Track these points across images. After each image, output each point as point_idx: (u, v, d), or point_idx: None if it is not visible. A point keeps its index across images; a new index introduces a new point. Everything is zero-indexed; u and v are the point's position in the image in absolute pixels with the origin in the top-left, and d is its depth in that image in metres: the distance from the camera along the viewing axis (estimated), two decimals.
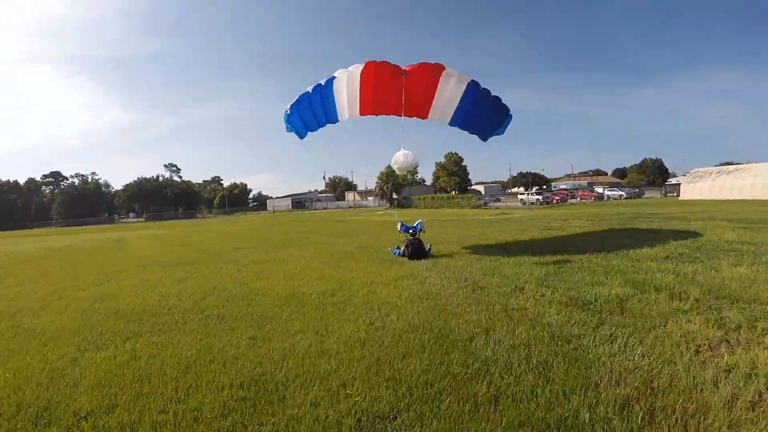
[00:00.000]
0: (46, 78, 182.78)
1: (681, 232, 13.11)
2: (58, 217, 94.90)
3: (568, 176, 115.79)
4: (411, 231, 11.19)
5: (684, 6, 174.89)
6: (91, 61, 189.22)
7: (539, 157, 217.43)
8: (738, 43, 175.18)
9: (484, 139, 11.90)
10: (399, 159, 10.49)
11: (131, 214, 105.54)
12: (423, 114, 11.09)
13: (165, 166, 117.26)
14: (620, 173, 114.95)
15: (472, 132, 11.73)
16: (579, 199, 60.47)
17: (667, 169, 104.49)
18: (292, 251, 13.44)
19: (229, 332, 5.31)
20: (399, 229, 11.76)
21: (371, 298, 6.56)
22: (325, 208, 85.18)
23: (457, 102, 10.63)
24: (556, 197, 54.93)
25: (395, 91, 10.25)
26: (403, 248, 10.62)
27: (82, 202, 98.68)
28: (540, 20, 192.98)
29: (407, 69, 10.02)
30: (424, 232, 11.62)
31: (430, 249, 10.91)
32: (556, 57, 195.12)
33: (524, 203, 52.23)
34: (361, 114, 11.06)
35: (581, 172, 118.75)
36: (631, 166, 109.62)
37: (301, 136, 11.78)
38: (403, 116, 10.51)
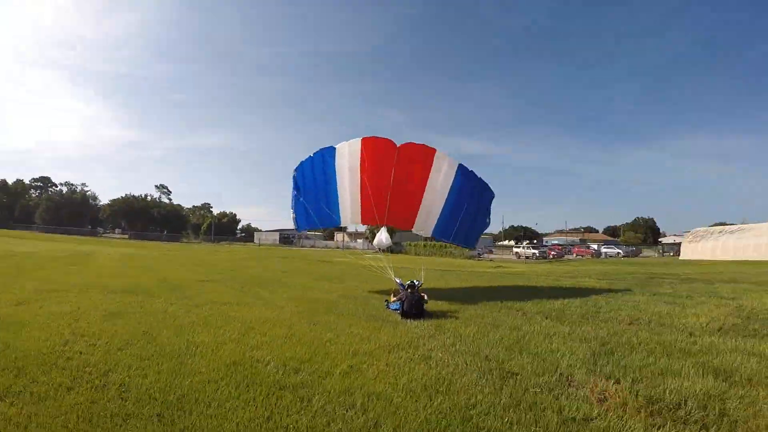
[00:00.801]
0: (51, 84, 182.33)
1: (712, 296, 11.68)
2: (41, 222, 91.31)
3: (560, 232, 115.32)
4: (409, 285, 9.20)
5: (674, 70, 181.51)
6: (99, 75, 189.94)
7: (529, 212, 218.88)
8: (728, 106, 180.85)
9: (471, 245, 12.59)
10: (381, 241, 11.18)
11: (117, 230, 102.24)
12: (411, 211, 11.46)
13: (156, 186, 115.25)
14: (612, 231, 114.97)
15: (455, 241, 12.09)
16: (575, 255, 58.95)
17: (658, 229, 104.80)
18: (263, 293, 11.26)
19: (118, 427, 3.18)
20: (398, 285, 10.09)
21: (353, 382, 4.43)
22: (312, 246, 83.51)
23: (447, 192, 11.29)
24: (553, 252, 53.31)
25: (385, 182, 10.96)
26: (401, 297, 8.72)
27: (67, 211, 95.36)
28: (533, 74, 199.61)
29: (400, 146, 10.89)
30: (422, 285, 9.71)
31: (426, 301, 8.92)
32: (549, 112, 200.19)
33: (519, 257, 50.47)
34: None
35: (573, 229, 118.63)
36: (623, 225, 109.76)
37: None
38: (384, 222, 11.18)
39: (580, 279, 17.67)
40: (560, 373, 4.82)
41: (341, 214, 11.71)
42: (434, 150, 11.12)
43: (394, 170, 10.93)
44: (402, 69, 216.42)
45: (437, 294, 11.22)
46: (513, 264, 34.85)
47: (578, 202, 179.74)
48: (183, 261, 23.00)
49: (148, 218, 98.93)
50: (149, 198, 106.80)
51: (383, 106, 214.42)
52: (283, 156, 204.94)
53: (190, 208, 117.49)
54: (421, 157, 11.01)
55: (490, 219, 12.31)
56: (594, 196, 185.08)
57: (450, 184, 11.21)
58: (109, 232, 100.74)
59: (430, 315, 8.35)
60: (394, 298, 9.01)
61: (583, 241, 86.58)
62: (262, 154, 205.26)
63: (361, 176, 11.13)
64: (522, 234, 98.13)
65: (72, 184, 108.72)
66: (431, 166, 11.05)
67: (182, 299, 9.55)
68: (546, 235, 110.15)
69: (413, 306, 8.17)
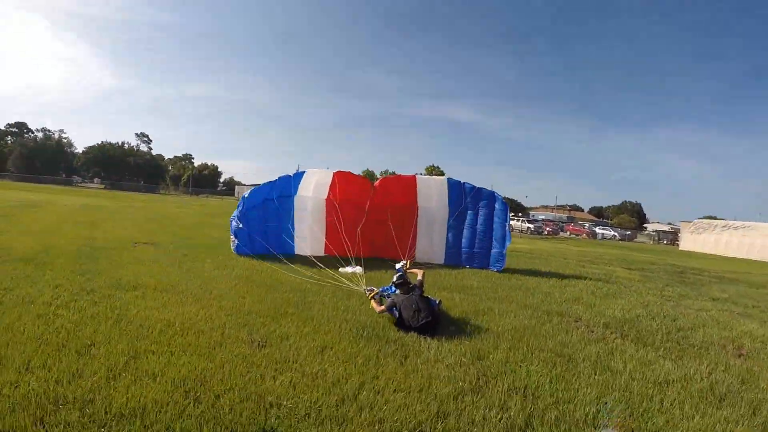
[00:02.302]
0: (34, 28, 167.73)
1: None
2: (14, 170, 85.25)
3: (545, 207, 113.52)
4: (398, 278, 6.12)
5: (667, 63, 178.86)
6: (87, 18, 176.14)
7: (517, 185, 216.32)
8: (716, 104, 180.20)
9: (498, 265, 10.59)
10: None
11: (96, 180, 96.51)
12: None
13: (136, 135, 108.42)
14: (597, 212, 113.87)
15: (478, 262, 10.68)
16: (569, 233, 56.94)
17: (645, 215, 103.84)
18: (206, 268, 8.26)
19: None
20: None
21: None
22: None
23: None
24: (548, 228, 51.05)
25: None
26: (390, 304, 5.72)
27: (41, 159, 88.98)
28: (530, 51, 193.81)
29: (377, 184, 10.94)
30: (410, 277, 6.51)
31: (439, 304, 5.98)
32: (543, 89, 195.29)
33: (512, 229, 47.98)
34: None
35: (558, 206, 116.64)
36: (609, 207, 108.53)
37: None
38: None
39: (605, 267, 15.03)
40: None
41: (297, 240, 10.48)
42: (414, 176, 10.91)
43: (370, 201, 10.66)
44: (392, 26, 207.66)
45: (440, 285, 8.35)
46: None
47: (565, 180, 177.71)
48: (140, 216, 19.71)
49: (125, 167, 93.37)
50: (126, 146, 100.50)
51: (370, 65, 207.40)
52: (268, 109, 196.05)
53: (171, 159, 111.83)
54: (402, 183, 10.86)
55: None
56: (580, 176, 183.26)
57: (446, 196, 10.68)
58: (87, 182, 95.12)
59: (447, 322, 5.51)
60: (380, 307, 5.85)
61: (571, 219, 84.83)
62: (247, 106, 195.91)
63: (331, 201, 10.57)
64: (509, 205, 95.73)
65: (49, 131, 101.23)
66: (415, 187, 10.71)
67: (83, 275, 6.59)
68: (532, 209, 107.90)
69: (420, 314, 5.13)
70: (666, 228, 67.11)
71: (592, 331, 6.09)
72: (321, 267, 8.41)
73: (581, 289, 9.35)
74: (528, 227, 47.86)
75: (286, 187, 10.46)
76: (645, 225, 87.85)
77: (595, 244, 36.43)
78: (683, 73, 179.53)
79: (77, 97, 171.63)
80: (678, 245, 46.43)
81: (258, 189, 10.53)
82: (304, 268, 8.26)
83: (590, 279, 11.16)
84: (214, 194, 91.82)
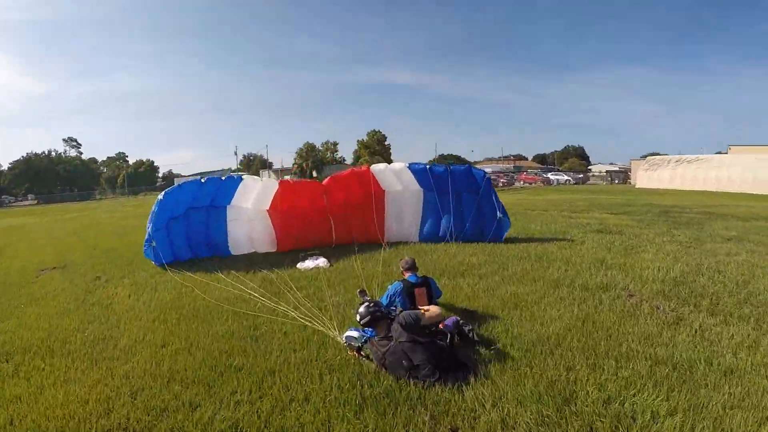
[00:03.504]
0: None
1: None
2: None
3: (489, 160, 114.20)
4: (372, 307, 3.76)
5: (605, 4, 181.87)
6: None
7: (461, 141, 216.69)
8: (654, 42, 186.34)
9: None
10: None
11: (30, 196, 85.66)
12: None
13: (64, 140, 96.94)
14: (540, 158, 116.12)
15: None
16: (522, 183, 57.07)
17: (588, 157, 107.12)
18: (120, 292, 6.32)
19: None
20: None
21: None
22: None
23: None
24: (502, 180, 50.65)
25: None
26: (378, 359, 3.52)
27: None
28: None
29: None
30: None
31: (472, 331, 3.89)
32: (476, 43, 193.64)
33: None
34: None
35: (502, 156, 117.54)
36: (553, 152, 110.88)
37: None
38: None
39: (589, 214, 13.93)
40: None
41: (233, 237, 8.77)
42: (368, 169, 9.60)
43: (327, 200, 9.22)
44: None
45: (429, 262, 6.58)
46: None
47: (508, 131, 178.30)
48: (63, 231, 16.41)
49: (55, 177, 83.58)
50: (53, 154, 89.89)
51: (300, 31, 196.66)
52: (199, 93, 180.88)
53: (104, 161, 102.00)
54: (357, 177, 9.41)
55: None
56: (521, 125, 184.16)
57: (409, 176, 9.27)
58: (21, 200, 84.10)
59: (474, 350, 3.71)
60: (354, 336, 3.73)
61: (518, 169, 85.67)
62: (177, 94, 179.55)
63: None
64: (452, 161, 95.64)
65: None
66: (373, 177, 9.28)
67: None
68: (476, 163, 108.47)
69: (421, 369, 3.16)
70: (614, 168, 69.02)
71: (658, 307, 4.60)
72: (265, 269, 6.47)
73: (595, 247, 7.99)
74: None
75: (218, 195, 8.46)
76: (589, 167, 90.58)
77: (555, 191, 36.24)
78: (618, 15, 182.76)
79: None
80: (630, 183, 47.58)
81: (178, 192, 8.24)
82: (247, 278, 6.33)
83: (590, 231, 9.86)
84: (154, 190, 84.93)
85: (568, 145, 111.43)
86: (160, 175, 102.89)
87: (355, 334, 3.70)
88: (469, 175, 9.17)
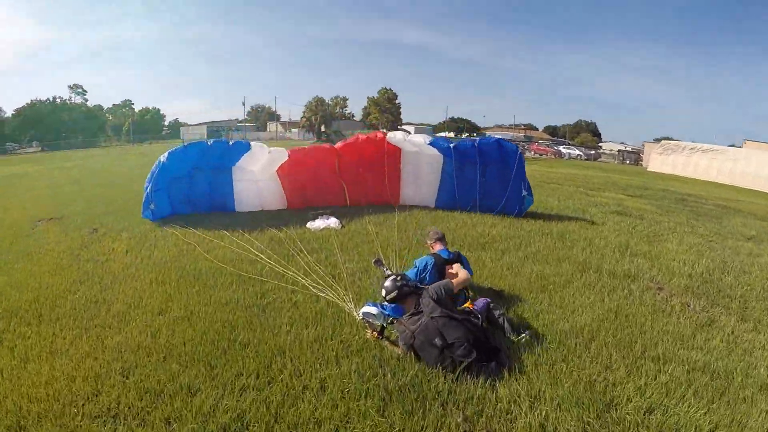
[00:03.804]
0: None
1: None
2: None
3: (499, 127, 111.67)
4: (398, 281, 3.54)
5: None
6: None
7: (472, 105, 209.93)
8: (674, 24, 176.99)
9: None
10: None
11: (34, 143, 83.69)
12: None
13: (69, 87, 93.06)
14: (551, 130, 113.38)
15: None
16: (533, 153, 55.94)
17: (600, 134, 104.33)
18: (118, 247, 6.13)
19: None
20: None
21: None
22: (243, 139, 73.21)
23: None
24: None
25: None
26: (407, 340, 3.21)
27: None
28: None
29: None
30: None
31: (502, 316, 3.65)
32: (497, 7, 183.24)
33: None
34: None
35: (513, 125, 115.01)
36: (564, 125, 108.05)
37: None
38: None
39: (606, 194, 13.63)
40: None
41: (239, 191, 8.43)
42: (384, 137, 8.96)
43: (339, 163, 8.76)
44: None
45: (448, 230, 6.36)
46: None
47: (519, 99, 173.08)
48: (65, 178, 15.90)
49: (60, 124, 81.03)
50: (58, 101, 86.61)
51: None
52: (208, 42, 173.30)
53: (110, 108, 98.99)
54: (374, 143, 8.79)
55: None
56: (534, 94, 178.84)
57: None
58: (25, 147, 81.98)
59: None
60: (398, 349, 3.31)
61: (528, 138, 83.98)
62: (187, 41, 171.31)
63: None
64: (463, 126, 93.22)
65: None
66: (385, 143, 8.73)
67: None
68: (487, 129, 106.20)
69: (454, 349, 2.95)
70: (626, 148, 67.45)
71: (689, 305, 4.42)
72: (273, 228, 6.34)
73: (617, 231, 7.81)
74: None
75: (224, 157, 8.13)
76: (600, 144, 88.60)
77: (568, 164, 35.64)
78: None
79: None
80: (642, 165, 46.74)
81: (182, 153, 7.93)
82: (254, 237, 6.11)
83: (609, 212, 9.62)
84: (159, 139, 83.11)
85: (581, 120, 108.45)
86: (166, 123, 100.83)
87: (373, 310, 3.40)
88: (498, 148, 8.75)
